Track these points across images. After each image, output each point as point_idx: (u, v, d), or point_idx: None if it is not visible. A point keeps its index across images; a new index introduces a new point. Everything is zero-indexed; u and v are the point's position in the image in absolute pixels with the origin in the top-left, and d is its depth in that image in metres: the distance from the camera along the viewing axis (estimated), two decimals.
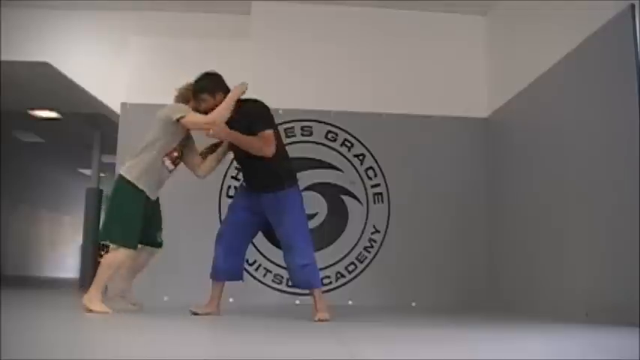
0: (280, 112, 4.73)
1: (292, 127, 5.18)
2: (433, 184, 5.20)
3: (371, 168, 5.20)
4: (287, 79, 5.26)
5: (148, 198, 3.22)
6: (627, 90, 3.15)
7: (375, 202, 5.16)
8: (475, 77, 5.41)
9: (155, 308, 3.69)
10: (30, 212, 13.18)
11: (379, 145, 5.23)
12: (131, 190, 3.17)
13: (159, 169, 3.24)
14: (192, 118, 3.19)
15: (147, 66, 5.28)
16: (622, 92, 3.23)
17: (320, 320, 3.09)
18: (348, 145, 5.22)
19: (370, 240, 5.10)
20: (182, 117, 3.17)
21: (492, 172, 5.13)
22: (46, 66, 5.58)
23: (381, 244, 5.09)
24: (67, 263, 14.87)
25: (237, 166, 5.02)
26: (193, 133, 3.42)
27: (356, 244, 5.05)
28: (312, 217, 4.78)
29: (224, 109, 3.18)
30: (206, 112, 3.22)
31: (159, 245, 3.46)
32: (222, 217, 5.02)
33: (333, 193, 5.11)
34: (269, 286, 4.92)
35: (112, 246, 3.27)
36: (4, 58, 5.49)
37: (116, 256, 3.17)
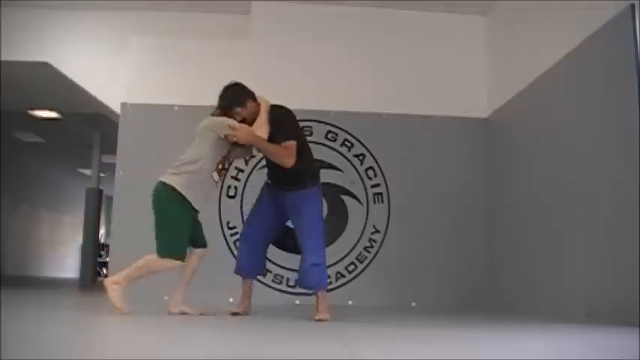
0: None
1: None
2: (433, 184, 5.20)
3: (371, 168, 5.20)
4: (287, 79, 5.26)
5: (194, 208, 3.20)
6: (627, 90, 3.15)
7: (375, 202, 5.16)
8: (475, 77, 5.41)
9: (155, 308, 3.68)
10: (30, 212, 13.17)
11: (379, 145, 5.23)
12: (179, 201, 3.12)
13: (209, 182, 3.23)
14: (232, 126, 3.18)
15: (147, 66, 5.29)
16: (622, 92, 3.23)
17: (320, 320, 3.10)
18: (348, 145, 5.22)
19: (370, 240, 5.10)
20: (227, 134, 3.17)
21: (492, 172, 5.13)
22: (46, 66, 5.58)
23: (381, 244, 5.09)
24: (67, 263, 14.86)
25: (238, 166, 5.07)
26: None
27: (356, 244, 5.05)
28: None
29: (263, 125, 3.23)
30: (242, 122, 3.25)
31: (205, 245, 3.44)
32: (223, 217, 5.05)
33: (333, 193, 5.11)
34: (269, 286, 4.92)
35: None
36: (4, 58, 5.49)
37: (165, 265, 3.11)
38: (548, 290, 4.01)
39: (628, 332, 2.64)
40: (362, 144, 5.22)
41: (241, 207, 5.06)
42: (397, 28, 5.46)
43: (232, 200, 5.09)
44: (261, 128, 3.23)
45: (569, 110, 3.83)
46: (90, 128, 9.08)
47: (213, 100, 5.11)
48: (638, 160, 3.01)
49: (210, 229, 4.97)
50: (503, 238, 4.86)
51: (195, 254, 3.36)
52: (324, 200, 5.06)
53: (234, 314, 3.38)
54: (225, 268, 4.88)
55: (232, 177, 5.10)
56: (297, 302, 4.90)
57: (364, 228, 5.11)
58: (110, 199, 8.92)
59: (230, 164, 3.40)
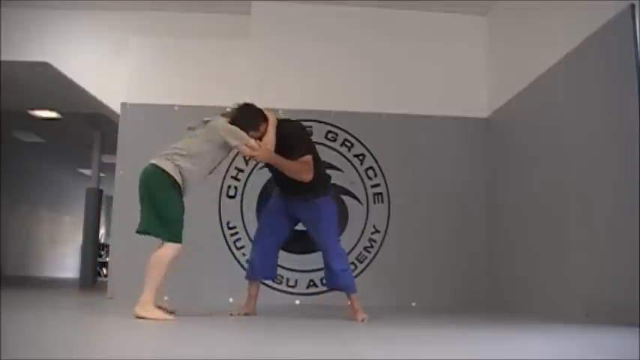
0: (280, 112, 4.73)
1: None
2: (433, 184, 5.20)
3: (371, 168, 5.20)
4: (287, 79, 5.26)
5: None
6: (627, 90, 3.15)
7: (375, 202, 5.16)
8: (475, 77, 5.41)
9: None
10: (30, 212, 13.17)
11: (379, 145, 5.23)
12: (174, 186, 3.04)
13: (200, 177, 3.17)
14: (250, 145, 3.14)
15: (147, 66, 5.28)
16: (622, 92, 3.23)
17: (362, 321, 3.14)
18: (348, 145, 5.22)
19: (370, 240, 5.10)
20: (237, 145, 3.14)
21: (492, 172, 5.13)
22: (46, 66, 5.58)
23: (381, 244, 5.09)
24: (66, 263, 14.86)
25: (238, 166, 5.07)
26: None
27: (356, 244, 5.05)
28: None
29: (272, 142, 3.22)
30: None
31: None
32: (223, 217, 5.05)
33: (333, 193, 5.10)
34: (269, 286, 4.91)
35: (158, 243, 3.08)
36: (4, 58, 5.48)
37: (166, 252, 2.96)
38: (548, 290, 4.01)
39: (628, 332, 2.64)
40: (362, 144, 5.22)
41: (241, 207, 5.06)
42: (397, 28, 5.46)
43: (232, 200, 5.09)
44: (270, 142, 3.24)
45: (569, 110, 3.83)
46: (90, 128, 9.08)
47: (213, 100, 5.12)
48: (638, 160, 3.01)
49: (210, 229, 5.01)
50: (503, 238, 4.86)
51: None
52: None
53: (245, 314, 3.40)
54: (226, 268, 4.90)
55: (232, 177, 5.09)
56: (297, 302, 4.90)
57: (364, 228, 5.11)
58: (110, 199, 8.92)
59: (219, 164, 3.34)
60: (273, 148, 3.24)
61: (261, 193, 4.92)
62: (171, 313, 3.03)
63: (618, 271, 3.20)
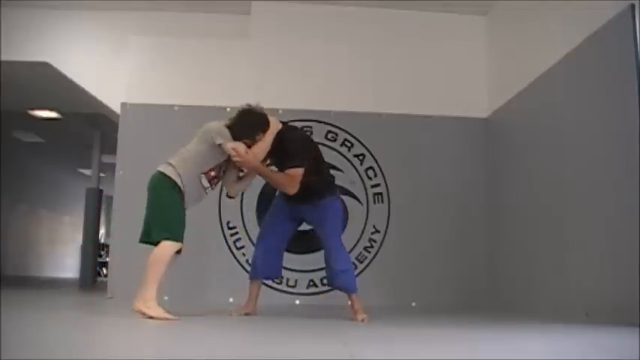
0: (280, 112, 4.73)
1: None
2: (433, 184, 5.20)
3: (371, 168, 5.20)
4: (287, 79, 5.26)
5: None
6: (627, 90, 3.15)
7: (375, 202, 5.16)
8: (475, 77, 5.41)
9: None
10: (30, 212, 13.17)
11: (379, 145, 5.23)
12: (176, 189, 3.05)
13: (197, 183, 3.14)
14: (233, 149, 3.10)
15: (147, 66, 5.28)
16: (622, 92, 3.23)
17: (362, 321, 3.14)
18: (348, 145, 5.22)
19: (370, 240, 5.10)
20: (222, 144, 3.10)
21: (492, 172, 5.13)
22: (46, 66, 5.58)
23: (381, 244, 5.09)
24: (66, 263, 14.86)
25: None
26: None
27: (356, 244, 5.05)
28: None
29: (262, 150, 3.18)
30: (248, 146, 3.18)
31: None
32: (223, 217, 5.05)
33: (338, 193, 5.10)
34: (269, 286, 4.91)
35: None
36: (4, 58, 5.48)
37: (164, 249, 2.94)
38: (548, 290, 4.01)
39: (628, 332, 2.64)
40: (362, 144, 5.22)
41: (241, 207, 5.06)
42: (397, 28, 5.46)
43: (232, 200, 5.07)
44: (260, 150, 3.17)
45: (569, 110, 3.83)
46: (90, 128, 9.08)
47: (213, 100, 5.12)
48: (638, 160, 3.01)
49: (210, 229, 5.00)
50: (503, 238, 4.86)
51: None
52: None
53: (246, 314, 3.39)
54: (226, 268, 4.90)
55: None
56: (297, 302, 4.90)
57: (364, 228, 5.11)
58: (110, 199, 8.92)
59: (224, 174, 3.29)
60: (262, 157, 3.19)
61: (261, 193, 4.91)
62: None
63: (618, 271, 3.20)
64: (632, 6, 3.18)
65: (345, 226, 5.06)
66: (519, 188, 4.58)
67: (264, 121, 3.22)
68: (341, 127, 5.22)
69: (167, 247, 2.96)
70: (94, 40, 5.67)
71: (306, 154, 3.29)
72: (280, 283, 4.93)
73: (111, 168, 7.62)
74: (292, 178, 3.18)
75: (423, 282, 5.02)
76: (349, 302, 3.35)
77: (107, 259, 9.04)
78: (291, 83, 5.26)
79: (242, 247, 4.96)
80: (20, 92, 6.83)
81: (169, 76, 5.26)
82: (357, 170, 5.19)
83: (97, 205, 8.87)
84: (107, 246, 11.23)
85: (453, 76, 5.40)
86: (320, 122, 5.20)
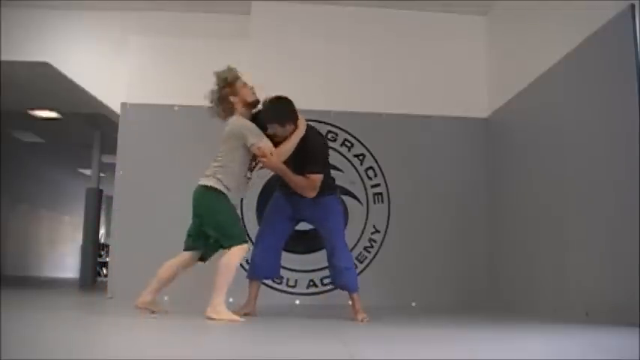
0: None
1: None
2: (433, 184, 5.20)
3: (371, 168, 5.20)
4: (287, 79, 5.25)
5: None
6: (627, 90, 3.15)
7: (375, 202, 5.16)
8: (475, 77, 5.41)
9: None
10: (29, 212, 13.17)
11: (379, 145, 5.23)
12: (223, 196, 3.16)
13: (242, 180, 3.26)
14: (261, 150, 3.18)
15: (147, 66, 5.28)
16: (622, 92, 3.23)
17: (363, 321, 3.15)
18: (348, 145, 5.22)
19: (370, 240, 5.10)
20: (253, 144, 3.17)
21: (492, 172, 5.13)
22: (46, 66, 5.58)
23: (381, 244, 5.09)
24: (66, 263, 14.86)
25: None
26: None
27: (356, 244, 5.05)
28: None
29: (288, 150, 3.23)
30: (271, 137, 3.25)
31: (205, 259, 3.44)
32: None
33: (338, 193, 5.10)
34: (269, 286, 4.91)
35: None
36: (4, 58, 5.49)
37: (235, 255, 3.08)
38: (548, 290, 4.01)
39: (628, 332, 2.64)
40: (362, 144, 5.22)
41: (241, 207, 5.06)
42: (397, 28, 5.46)
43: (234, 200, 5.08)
44: (285, 150, 3.23)
45: (569, 110, 3.83)
46: (90, 128, 9.08)
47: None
48: (638, 160, 3.01)
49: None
50: (503, 238, 4.86)
51: (191, 256, 3.32)
52: None
53: (246, 315, 3.39)
54: None
55: None
56: (297, 302, 4.90)
57: (364, 228, 5.11)
58: (110, 199, 8.92)
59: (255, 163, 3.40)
60: (285, 158, 3.23)
61: (261, 192, 4.91)
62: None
63: (618, 271, 3.20)
64: (632, 6, 3.18)
65: (345, 226, 5.08)
66: (519, 188, 4.58)
67: (295, 113, 3.32)
68: (341, 127, 5.23)
69: (236, 253, 3.08)
70: (93, 40, 5.67)
71: (326, 160, 3.42)
72: (280, 283, 4.93)
73: (111, 168, 7.62)
74: (312, 182, 3.27)
75: (423, 282, 5.02)
76: (350, 302, 3.34)
77: (107, 259, 9.05)
78: (291, 83, 5.23)
79: None
80: (20, 92, 6.83)
81: (169, 76, 5.26)
82: (357, 170, 5.19)
83: (97, 205, 8.87)
84: (107, 246, 11.23)
85: (453, 76, 5.40)
86: (320, 122, 5.19)
